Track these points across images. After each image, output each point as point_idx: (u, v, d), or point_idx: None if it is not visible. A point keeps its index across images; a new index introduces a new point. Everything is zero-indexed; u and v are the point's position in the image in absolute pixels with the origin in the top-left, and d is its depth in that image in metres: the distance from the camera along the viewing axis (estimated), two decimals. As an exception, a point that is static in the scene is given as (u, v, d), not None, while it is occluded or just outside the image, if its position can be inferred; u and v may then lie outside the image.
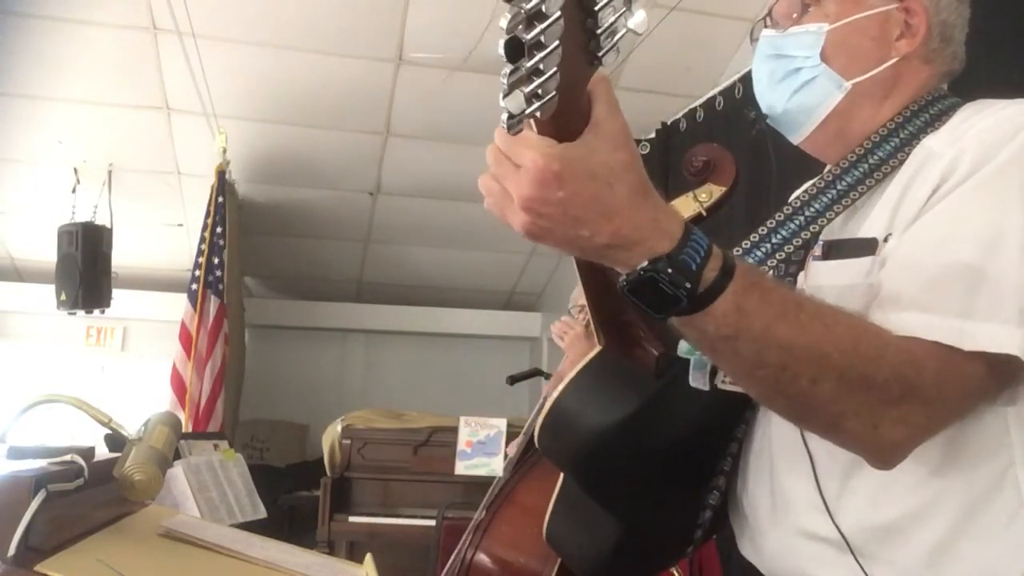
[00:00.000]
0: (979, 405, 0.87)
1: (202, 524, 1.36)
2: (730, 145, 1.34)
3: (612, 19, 0.67)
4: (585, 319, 2.40)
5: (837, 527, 0.93)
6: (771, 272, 0.99)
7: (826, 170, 1.07)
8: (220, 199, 4.53)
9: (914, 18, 1.03)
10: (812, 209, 1.01)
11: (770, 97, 1.10)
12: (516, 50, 0.63)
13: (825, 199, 1.01)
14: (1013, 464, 0.88)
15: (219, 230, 4.52)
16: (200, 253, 4.54)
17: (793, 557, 0.99)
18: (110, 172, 4.82)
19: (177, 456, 2.51)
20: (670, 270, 0.72)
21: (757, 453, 1.06)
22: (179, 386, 4.35)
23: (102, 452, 1.15)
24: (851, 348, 0.79)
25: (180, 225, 5.43)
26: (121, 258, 4.89)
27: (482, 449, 4.16)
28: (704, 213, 1.26)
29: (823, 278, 0.98)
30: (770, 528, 1.02)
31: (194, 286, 4.49)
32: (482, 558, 2.25)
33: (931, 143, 0.96)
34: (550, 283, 6.41)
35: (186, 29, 3.73)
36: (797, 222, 1.01)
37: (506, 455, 3.47)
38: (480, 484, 3.39)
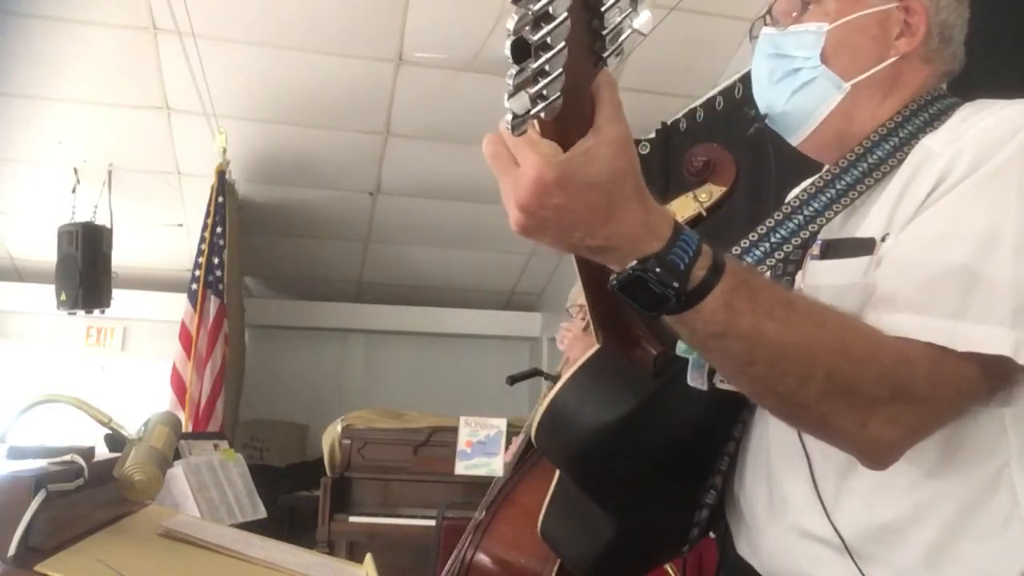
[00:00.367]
0: (973, 406, 0.87)
1: (202, 524, 1.36)
2: (730, 145, 1.33)
3: (618, 20, 0.67)
4: (585, 319, 2.40)
5: (834, 527, 0.93)
6: (769, 271, 0.99)
7: (825, 169, 1.06)
8: (220, 199, 4.53)
9: (914, 17, 1.03)
10: (811, 208, 1.01)
11: (769, 96, 1.10)
12: (522, 51, 0.63)
13: (824, 198, 1.01)
14: (1009, 465, 0.88)
15: (219, 230, 4.52)
16: (200, 253, 4.54)
17: (790, 557, 0.99)
18: (110, 172, 4.82)
19: (177, 456, 2.51)
20: (658, 269, 0.73)
21: (754, 453, 1.06)
22: (179, 386, 4.35)
23: (102, 452, 1.15)
24: (841, 347, 0.80)
25: (180, 225, 5.43)
26: (121, 258, 4.89)
27: (482, 449, 4.16)
28: (704, 213, 1.26)
29: (821, 277, 0.98)
30: (767, 528, 1.02)
31: (194, 286, 4.49)
32: (482, 558, 2.25)
33: (930, 143, 0.96)
34: (550, 283, 6.41)
35: (186, 29, 3.73)
36: (796, 221, 1.01)
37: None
38: (480, 484, 3.39)
